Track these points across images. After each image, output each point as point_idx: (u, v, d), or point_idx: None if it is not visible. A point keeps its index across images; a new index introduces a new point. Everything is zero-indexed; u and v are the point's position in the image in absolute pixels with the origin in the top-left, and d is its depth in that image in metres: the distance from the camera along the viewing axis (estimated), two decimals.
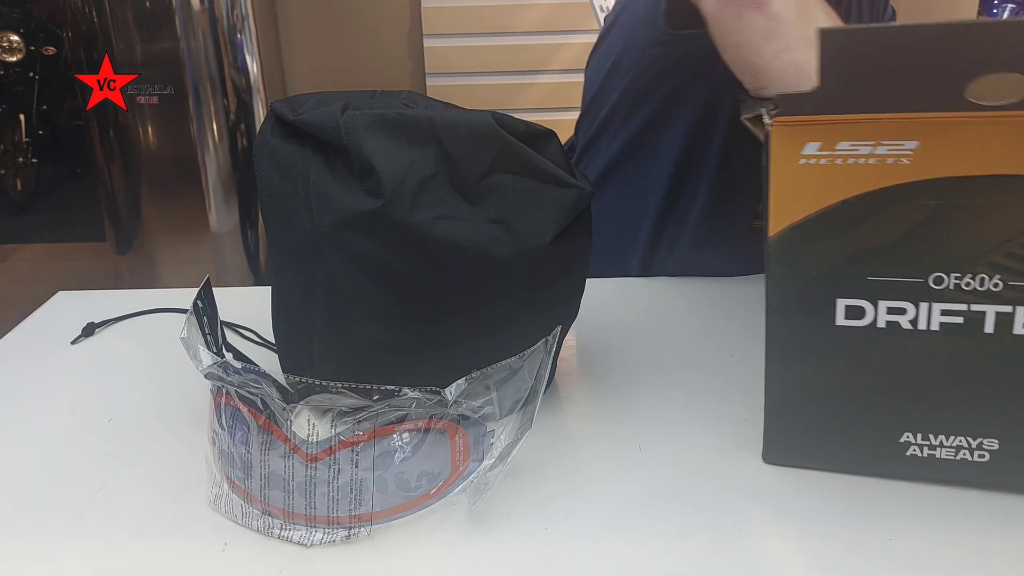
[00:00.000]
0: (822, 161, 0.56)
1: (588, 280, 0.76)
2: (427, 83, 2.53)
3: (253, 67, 2.35)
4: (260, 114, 2.40)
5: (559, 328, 0.65)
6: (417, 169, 0.63)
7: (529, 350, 0.60)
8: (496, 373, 0.58)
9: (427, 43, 2.51)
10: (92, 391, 0.81)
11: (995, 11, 3.44)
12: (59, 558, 0.58)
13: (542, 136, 0.67)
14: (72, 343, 0.91)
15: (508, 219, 0.65)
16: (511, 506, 0.62)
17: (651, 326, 0.91)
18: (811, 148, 0.56)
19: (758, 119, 0.62)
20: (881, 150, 0.55)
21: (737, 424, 0.72)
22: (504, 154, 0.65)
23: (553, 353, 0.66)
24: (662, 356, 0.84)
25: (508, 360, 0.59)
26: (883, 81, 0.53)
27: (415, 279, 0.65)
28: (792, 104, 0.56)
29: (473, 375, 0.58)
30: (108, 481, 0.66)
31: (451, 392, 0.57)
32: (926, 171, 0.55)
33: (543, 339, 0.61)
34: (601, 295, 0.96)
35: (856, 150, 0.55)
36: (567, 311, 0.74)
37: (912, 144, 0.54)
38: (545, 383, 0.62)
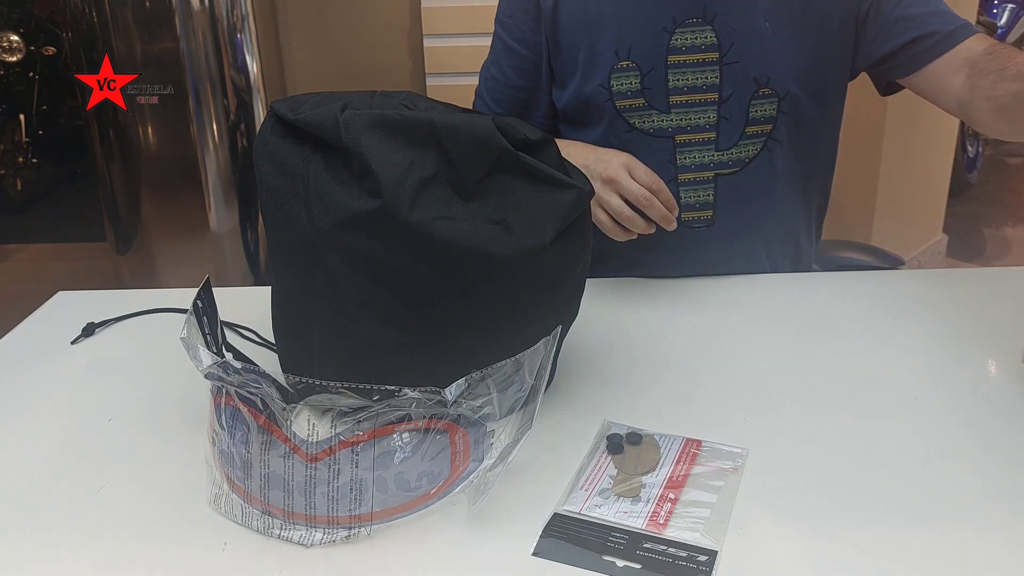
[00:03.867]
0: None
1: (588, 280, 0.76)
2: (427, 83, 2.52)
3: (253, 67, 2.35)
4: (260, 114, 2.40)
5: (559, 328, 0.65)
6: (417, 170, 0.63)
7: (529, 350, 0.59)
8: (496, 373, 0.58)
9: (427, 43, 2.50)
10: (92, 391, 0.81)
11: (995, 11, 3.44)
12: (59, 557, 0.58)
13: (541, 142, 0.68)
14: (72, 343, 0.90)
15: (508, 219, 0.65)
16: (511, 506, 0.62)
17: (651, 326, 0.91)
18: None
19: None
20: None
21: (737, 424, 0.72)
22: (504, 159, 0.65)
23: (553, 353, 0.66)
24: (662, 356, 0.84)
25: (508, 360, 0.59)
26: None
27: (415, 279, 0.65)
28: None
29: (473, 375, 0.58)
30: (108, 481, 0.66)
31: (451, 392, 0.57)
32: None
33: (543, 339, 0.61)
34: (601, 295, 0.96)
35: None
36: (567, 311, 0.74)
37: None
38: (545, 383, 0.62)
